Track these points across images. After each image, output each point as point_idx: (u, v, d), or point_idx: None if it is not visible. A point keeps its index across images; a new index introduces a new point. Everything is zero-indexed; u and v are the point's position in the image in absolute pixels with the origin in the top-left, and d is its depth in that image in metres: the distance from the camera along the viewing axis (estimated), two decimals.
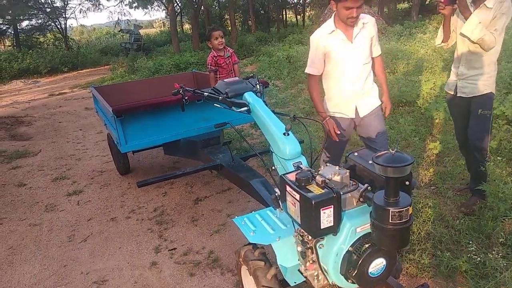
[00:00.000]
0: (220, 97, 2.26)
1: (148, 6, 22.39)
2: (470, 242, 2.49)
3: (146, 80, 5.73)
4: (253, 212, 2.09)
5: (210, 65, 3.94)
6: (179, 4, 22.64)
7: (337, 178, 1.62)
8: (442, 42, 2.86)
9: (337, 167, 1.66)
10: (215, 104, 2.33)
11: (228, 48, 4.01)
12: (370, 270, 1.56)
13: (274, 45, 15.02)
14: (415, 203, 2.97)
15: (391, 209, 1.37)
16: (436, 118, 4.90)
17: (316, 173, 1.61)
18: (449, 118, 4.74)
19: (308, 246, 1.68)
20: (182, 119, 3.36)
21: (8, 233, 3.44)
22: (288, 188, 1.61)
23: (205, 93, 2.33)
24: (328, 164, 1.72)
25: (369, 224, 1.54)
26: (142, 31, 25.61)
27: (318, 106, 2.65)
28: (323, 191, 1.51)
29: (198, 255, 2.81)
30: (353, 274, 1.56)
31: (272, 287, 1.80)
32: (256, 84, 2.40)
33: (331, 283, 1.72)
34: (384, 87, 2.76)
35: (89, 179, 4.56)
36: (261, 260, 1.87)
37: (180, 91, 2.50)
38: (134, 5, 20.94)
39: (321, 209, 1.47)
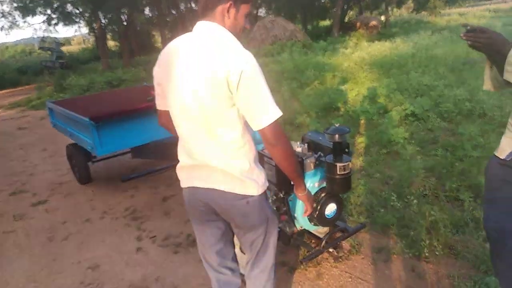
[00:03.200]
0: None
1: (71, 24, 21.74)
2: (394, 202, 3.27)
3: (98, 94, 6.00)
4: None
5: None
6: (104, 21, 22.36)
7: (299, 149, 2.24)
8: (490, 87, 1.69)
9: (298, 142, 2.29)
10: None
11: None
12: (326, 212, 2.19)
13: None
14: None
15: (338, 164, 2.02)
16: (361, 119, 5.82)
17: None
18: (371, 118, 5.71)
19: (282, 201, 2.27)
20: (151, 124, 3.80)
21: None
22: (265, 158, 2.20)
23: None
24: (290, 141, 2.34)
25: (322, 180, 2.17)
26: (63, 48, 24.80)
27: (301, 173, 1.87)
28: None
29: (178, 238, 3.26)
30: (315, 216, 2.17)
31: None
32: None
33: (299, 228, 2.32)
34: None
35: (50, 190, 4.73)
36: None
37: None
38: (54, 21, 20.10)
39: None
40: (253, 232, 1.68)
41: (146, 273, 2.84)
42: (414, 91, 6.30)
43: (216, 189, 1.57)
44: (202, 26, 1.50)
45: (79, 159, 4.62)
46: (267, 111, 1.41)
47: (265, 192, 1.65)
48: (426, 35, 13.03)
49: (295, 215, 2.25)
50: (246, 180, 1.55)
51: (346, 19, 24.01)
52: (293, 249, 2.85)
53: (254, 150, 1.59)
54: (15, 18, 22.51)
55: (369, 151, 4.69)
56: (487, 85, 1.64)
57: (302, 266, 2.66)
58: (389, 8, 25.55)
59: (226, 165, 1.52)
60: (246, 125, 1.50)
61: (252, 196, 1.58)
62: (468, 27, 1.49)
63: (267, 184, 1.66)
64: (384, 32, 18.82)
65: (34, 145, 7.18)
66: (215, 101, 1.41)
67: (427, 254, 2.62)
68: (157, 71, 1.62)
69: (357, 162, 4.39)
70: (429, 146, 4.50)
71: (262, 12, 28.82)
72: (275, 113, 1.42)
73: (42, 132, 8.01)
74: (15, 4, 17.82)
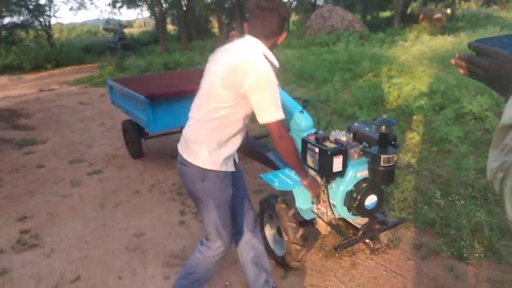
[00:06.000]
0: None
1: (134, 7, 22.64)
2: (438, 200, 3.15)
3: (155, 74, 6.25)
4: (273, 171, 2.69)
5: None
6: (164, 6, 23.07)
7: (344, 138, 2.23)
8: None
9: (343, 131, 2.28)
10: None
11: None
12: (366, 203, 2.17)
13: None
14: (396, 179, 3.61)
15: (383, 156, 1.99)
16: (415, 115, 5.60)
17: (329, 135, 2.23)
18: (425, 115, 5.48)
19: (322, 188, 2.28)
20: None
21: (43, 203, 3.90)
22: (309, 145, 2.21)
23: None
24: (336, 130, 2.33)
25: (366, 171, 2.15)
26: (125, 30, 25.92)
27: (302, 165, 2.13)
28: (335, 145, 2.12)
29: None
30: (354, 206, 2.16)
31: (292, 221, 2.39)
32: None
33: (336, 217, 2.33)
34: None
35: (105, 162, 5.04)
36: (283, 203, 2.47)
37: None
38: (118, 5, 21.06)
39: (334, 157, 2.08)
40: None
41: (186, 245, 2.98)
42: (475, 89, 5.94)
43: None
44: (248, 41, 1.84)
45: (133, 135, 4.87)
46: (268, 112, 1.76)
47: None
48: (495, 30, 12.18)
49: (334, 203, 2.24)
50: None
51: (409, 11, 22.93)
52: (329, 237, 2.85)
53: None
54: (83, 0, 23.87)
55: (419, 148, 4.53)
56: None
57: (337, 255, 2.66)
58: (456, 1, 24.06)
59: None
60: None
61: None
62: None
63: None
64: (448, 26, 17.80)
65: (93, 119, 7.64)
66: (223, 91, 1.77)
67: (467, 255, 2.53)
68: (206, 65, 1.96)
69: (405, 157, 4.26)
70: (484, 147, 4.26)
71: (320, 1, 28.32)
72: (275, 116, 1.77)
73: (101, 107, 8.50)
74: None
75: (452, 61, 0.97)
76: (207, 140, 1.87)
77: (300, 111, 2.57)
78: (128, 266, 2.81)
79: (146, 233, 3.19)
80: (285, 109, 2.66)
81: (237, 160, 2.08)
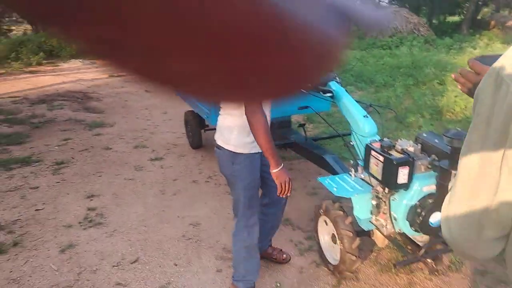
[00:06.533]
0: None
1: None
2: None
3: None
4: (332, 176, 2.68)
5: None
6: None
7: (411, 149, 2.17)
8: None
9: (410, 141, 2.22)
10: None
11: None
12: (431, 220, 2.10)
13: None
14: None
15: (454, 171, 1.92)
16: None
17: (395, 144, 2.18)
18: None
19: (383, 199, 2.24)
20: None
21: (108, 183, 4.17)
22: (373, 152, 2.18)
23: None
24: (403, 139, 2.28)
25: (432, 186, 2.09)
26: None
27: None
28: (402, 155, 2.07)
29: None
30: (417, 222, 2.11)
31: (349, 230, 2.37)
32: (335, 76, 3.01)
33: (397, 231, 2.28)
34: None
35: (166, 149, 5.27)
36: (341, 210, 2.46)
37: None
38: None
39: (400, 168, 2.04)
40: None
41: None
42: None
43: None
44: None
45: (194, 126, 5.04)
46: None
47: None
48: None
49: (395, 216, 2.20)
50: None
51: (479, 16, 21.53)
52: (385, 250, 2.80)
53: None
54: None
55: None
56: None
57: (393, 270, 2.60)
58: None
59: None
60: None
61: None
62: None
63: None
64: None
65: (157, 108, 7.99)
66: None
67: None
68: None
69: None
70: None
71: (385, 1, 27.37)
72: None
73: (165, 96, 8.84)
74: None
75: (453, 76, 1.02)
76: (235, 126, 2.11)
77: (364, 116, 2.54)
78: (183, 255, 2.94)
79: (202, 224, 3.31)
80: (348, 111, 2.65)
81: None
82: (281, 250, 2.83)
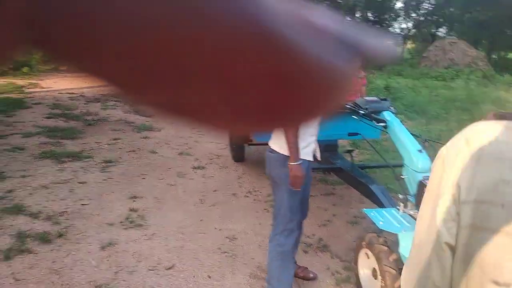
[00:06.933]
0: (362, 111, 2.82)
1: None
2: None
3: None
4: (378, 208, 2.59)
5: None
6: None
7: None
8: None
9: None
10: (353, 116, 2.90)
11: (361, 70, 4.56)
12: None
13: (372, 73, 15.28)
14: None
15: None
16: None
17: None
18: None
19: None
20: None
21: (151, 187, 4.28)
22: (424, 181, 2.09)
23: (346, 105, 2.91)
24: None
25: None
26: None
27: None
28: None
29: (309, 239, 3.35)
30: None
31: (392, 268, 2.27)
32: (390, 106, 2.94)
33: None
34: None
35: (209, 159, 5.34)
36: (385, 245, 2.36)
37: None
38: None
39: None
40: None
41: None
42: None
43: None
44: None
45: (238, 139, 5.08)
46: None
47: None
48: None
49: None
50: None
51: None
52: None
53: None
54: None
55: None
56: None
57: None
58: None
59: None
60: None
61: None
62: None
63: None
64: None
65: None
66: None
67: None
68: None
69: None
70: None
71: (442, 32, 26.67)
72: None
73: None
74: None
75: None
76: None
77: (419, 150, 2.44)
78: (218, 268, 2.93)
79: (238, 239, 3.30)
80: (401, 144, 2.57)
81: (317, 156, 2.55)
82: (306, 268, 2.85)
